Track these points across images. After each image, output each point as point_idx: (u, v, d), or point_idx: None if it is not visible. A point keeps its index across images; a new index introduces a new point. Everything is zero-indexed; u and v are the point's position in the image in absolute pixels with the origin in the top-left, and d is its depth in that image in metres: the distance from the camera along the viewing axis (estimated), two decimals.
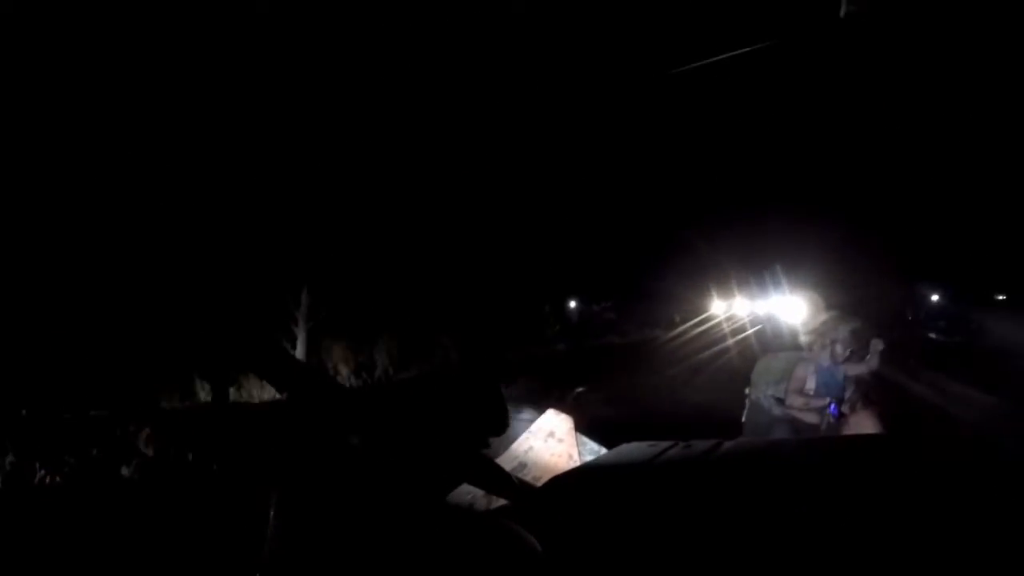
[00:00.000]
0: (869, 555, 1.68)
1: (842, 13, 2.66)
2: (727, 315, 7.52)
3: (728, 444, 2.44)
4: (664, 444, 2.52)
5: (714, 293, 7.98)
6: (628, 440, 3.18)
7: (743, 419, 6.14)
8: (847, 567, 1.68)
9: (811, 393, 5.51)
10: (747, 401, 6.16)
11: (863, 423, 5.09)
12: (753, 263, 6.79)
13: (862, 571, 1.66)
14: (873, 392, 5.45)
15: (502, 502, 2.85)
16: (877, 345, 5.34)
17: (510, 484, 2.57)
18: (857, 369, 5.44)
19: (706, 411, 6.85)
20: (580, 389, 9.93)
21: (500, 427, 2.42)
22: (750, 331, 6.71)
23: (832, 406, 5.27)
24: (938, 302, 10.63)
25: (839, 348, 5.47)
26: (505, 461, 3.56)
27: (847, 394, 5.40)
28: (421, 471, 2.56)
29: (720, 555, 1.84)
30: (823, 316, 5.69)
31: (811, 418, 5.46)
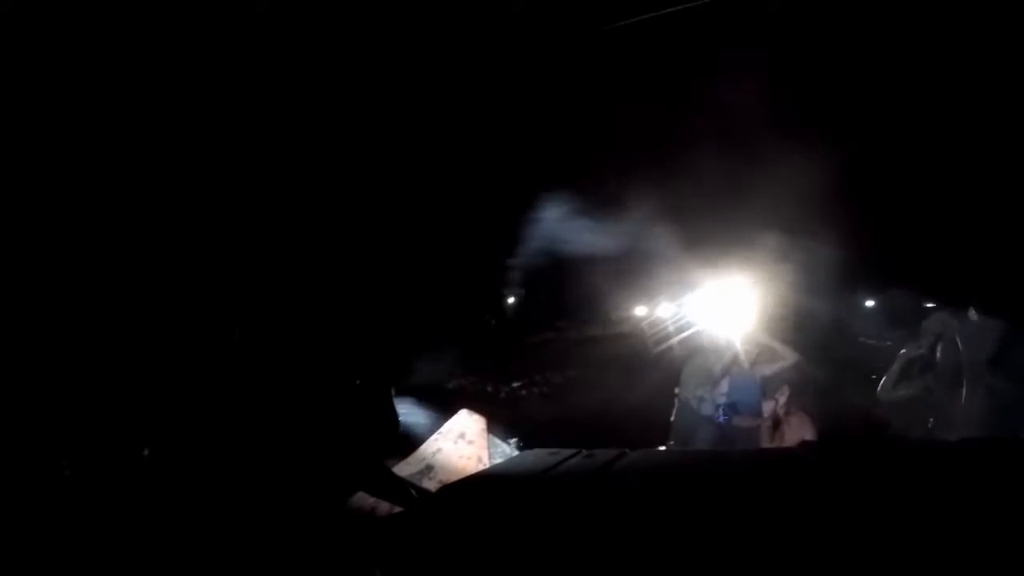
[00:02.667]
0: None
1: None
2: (661, 314, 7.48)
3: (631, 455, 2.33)
4: (566, 452, 2.40)
5: (644, 292, 7.94)
6: (557, 439, 3.07)
7: (672, 419, 6.13)
8: None
9: (722, 393, 5.58)
10: (676, 401, 6.15)
11: (795, 425, 5.13)
12: (683, 262, 6.75)
13: None
14: (805, 396, 5.49)
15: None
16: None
17: (404, 491, 2.45)
18: (771, 368, 5.50)
19: (638, 410, 6.79)
20: (515, 384, 9.87)
21: (389, 432, 2.30)
22: (685, 333, 6.68)
23: (721, 413, 5.41)
24: (873, 307, 10.84)
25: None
26: (412, 463, 3.43)
27: (780, 398, 5.41)
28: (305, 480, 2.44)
29: (610, 570, 1.74)
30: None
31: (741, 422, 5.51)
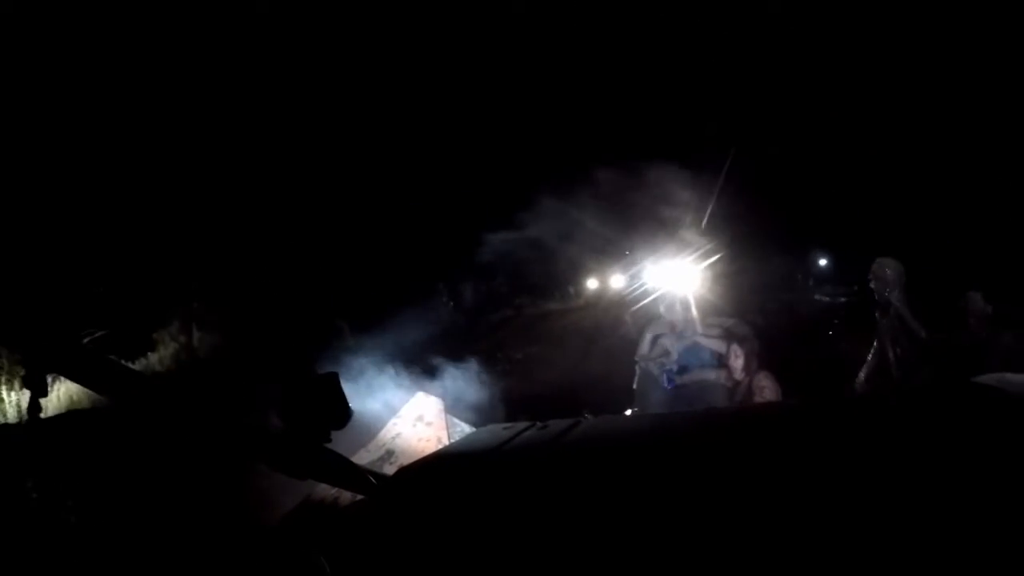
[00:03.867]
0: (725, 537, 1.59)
1: None
2: (615, 285, 7.52)
3: (585, 423, 2.32)
4: (520, 425, 2.39)
5: (597, 265, 7.97)
6: (521, 415, 3.07)
7: (635, 386, 6.18)
8: (702, 551, 1.59)
9: (673, 360, 5.70)
10: (637, 368, 6.20)
11: (758, 386, 5.20)
12: (639, 231, 6.78)
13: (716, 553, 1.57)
14: (765, 355, 5.58)
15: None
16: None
17: (360, 477, 2.41)
18: (716, 331, 5.63)
19: (601, 380, 6.85)
20: (476, 364, 9.82)
21: (340, 420, 2.26)
22: (641, 303, 6.72)
23: (666, 377, 5.53)
24: (826, 266, 11.19)
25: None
26: (372, 450, 3.39)
27: (737, 361, 5.46)
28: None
29: (566, 541, 1.72)
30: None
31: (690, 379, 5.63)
